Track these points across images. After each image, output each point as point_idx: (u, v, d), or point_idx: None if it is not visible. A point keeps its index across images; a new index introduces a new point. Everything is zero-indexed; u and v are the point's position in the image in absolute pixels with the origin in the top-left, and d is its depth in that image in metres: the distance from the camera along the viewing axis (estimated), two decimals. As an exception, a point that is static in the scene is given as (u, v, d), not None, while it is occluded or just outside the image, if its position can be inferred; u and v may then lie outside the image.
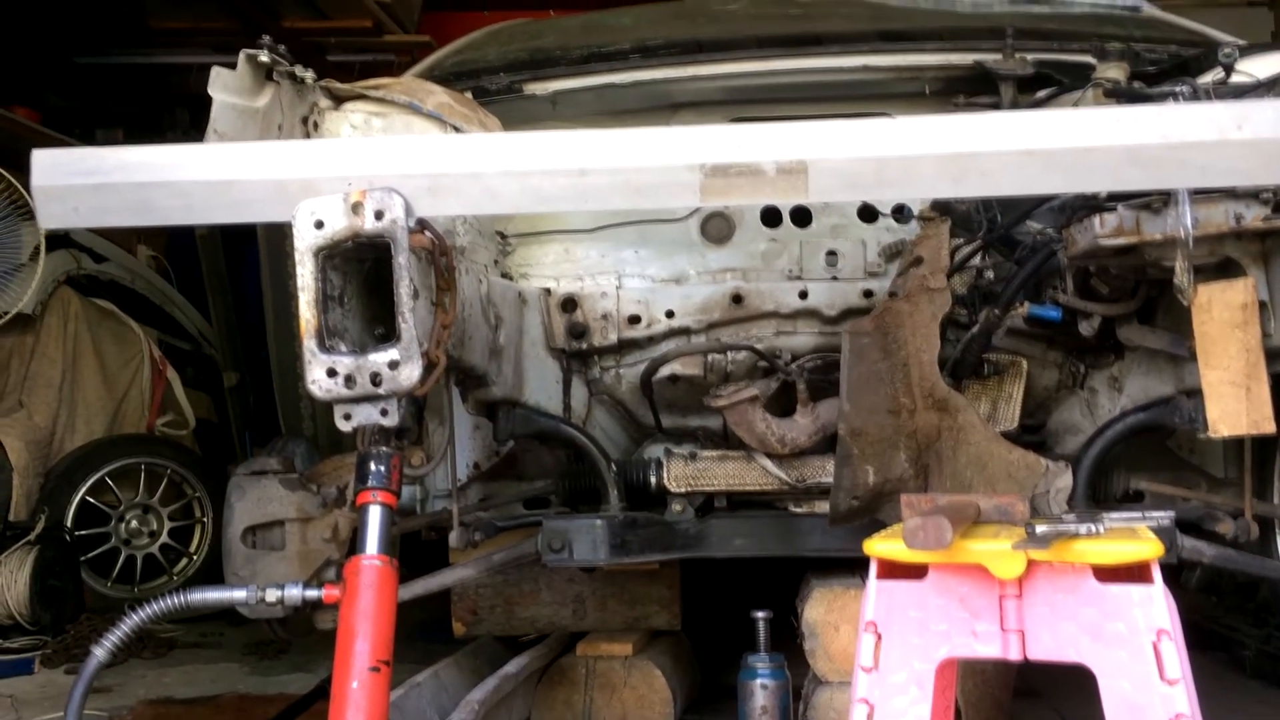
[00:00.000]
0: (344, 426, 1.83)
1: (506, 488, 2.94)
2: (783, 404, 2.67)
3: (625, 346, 2.74)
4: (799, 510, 2.68)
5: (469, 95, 2.91)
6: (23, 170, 4.68)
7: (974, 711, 2.23)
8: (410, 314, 1.80)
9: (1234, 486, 2.60)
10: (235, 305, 6.97)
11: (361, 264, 1.90)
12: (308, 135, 2.46)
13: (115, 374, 6.00)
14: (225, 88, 2.24)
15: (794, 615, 2.63)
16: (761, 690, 2.31)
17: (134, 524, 5.67)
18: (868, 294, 2.67)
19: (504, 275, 2.73)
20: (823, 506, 2.62)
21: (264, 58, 2.26)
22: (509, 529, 2.63)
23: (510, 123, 2.88)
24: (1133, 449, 2.60)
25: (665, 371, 2.69)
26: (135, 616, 1.84)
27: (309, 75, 2.41)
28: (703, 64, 2.84)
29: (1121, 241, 2.12)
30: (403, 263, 1.80)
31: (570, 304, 2.71)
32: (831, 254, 2.73)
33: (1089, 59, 2.72)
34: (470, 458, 2.87)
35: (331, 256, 1.82)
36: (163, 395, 6.21)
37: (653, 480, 2.68)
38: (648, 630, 3.11)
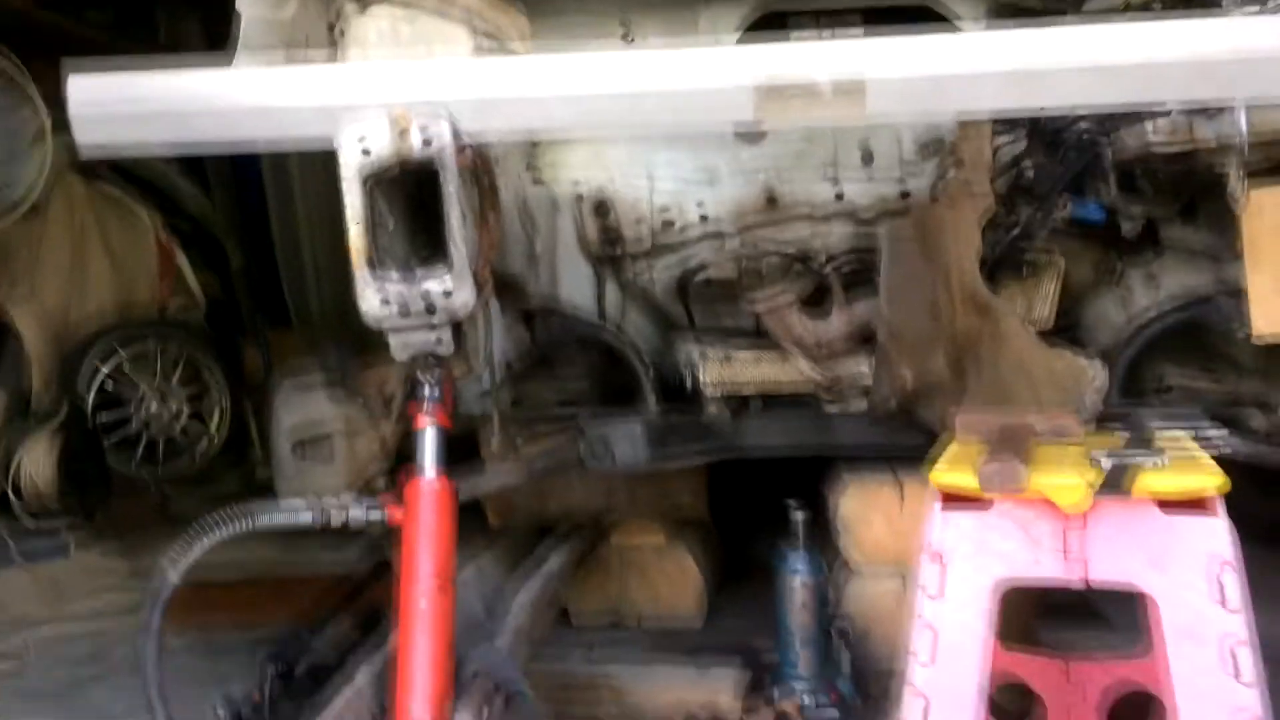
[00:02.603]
0: (400, 356, 1.84)
1: (541, 387, 2.96)
2: (817, 304, 2.67)
3: (659, 249, 2.72)
4: (834, 408, 2.71)
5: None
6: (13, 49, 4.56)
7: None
8: (462, 241, 1.79)
9: (1262, 375, 2.62)
10: (235, 185, 6.88)
11: (405, 183, 1.87)
12: (334, 42, 2.39)
13: (123, 258, 5.95)
14: (252, 1, 2.17)
15: (817, 504, 2.67)
16: (802, 587, 2.39)
17: (153, 407, 5.74)
18: (905, 194, 2.63)
19: (535, 179, 2.69)
20: (857, 405, 2.65)
21: (287, -35, 2.18)
22: (547, 431, 2.67)
23: (534, 14, 2.79)
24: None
25: (700, 274, 2.68)
26: (205, 539, 1.88)
27: (335, -20, 2.33)
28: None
29: (1175, 148, 2.10)
30: (452, 190, 1.78)
31: (603, 207, 2.68)
32: (868, 152, 2.68)
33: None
34: (505, 358, 2.88)
35: (379, 182, 1.80)
36: (173, 278, 6.19)
37: (688, 381, 2.70)
38: (677, 519, 3.18)
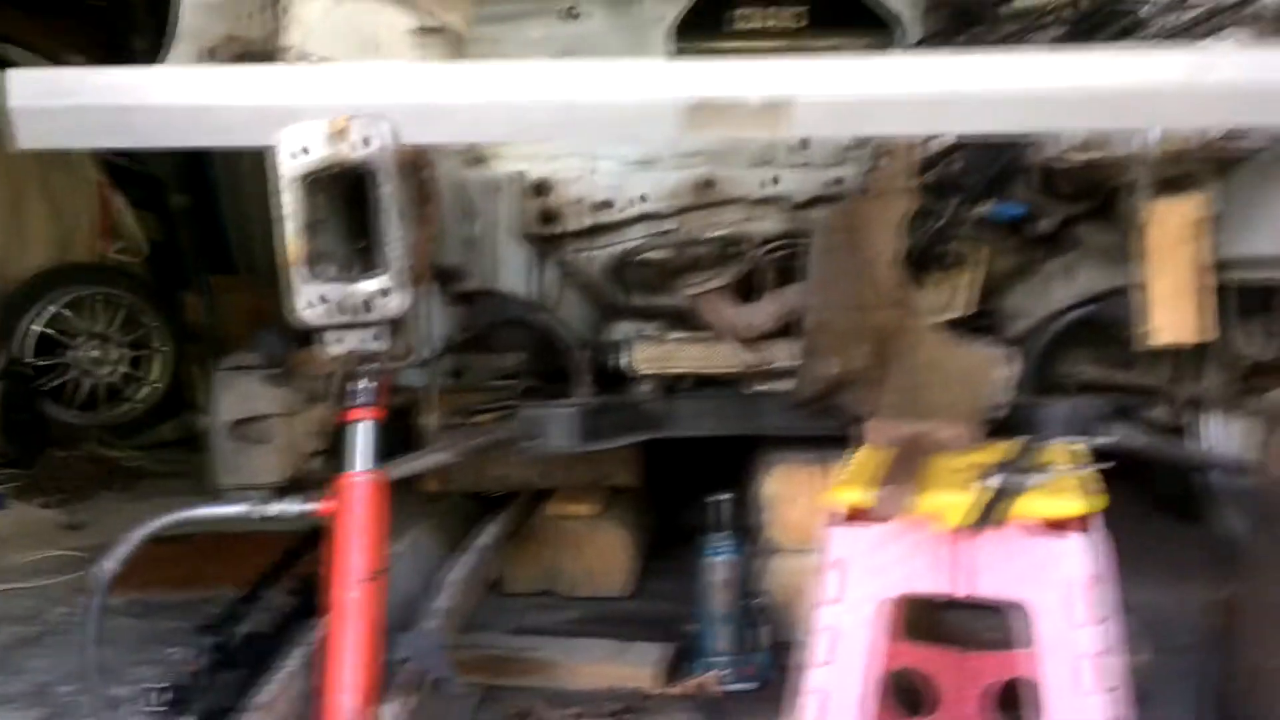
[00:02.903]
0: (335, 351, 1.89)
1: (479, 360, 3.02)
2: (749, 288, 2.76)
3: (597, 230, 2.78)
4: (762, 389, 2.80)
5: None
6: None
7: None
8: (398, 241, 1.84)
9: (1172, 368, 2.75)
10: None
11: (343, 182, 1.91)
12: (275, 18, 2.40)
13: (63, 205, 5.87)
14: (192, -18, 2.18)
15: (743, 481, 2.78)
16: (722, 566, 2.50)
17: (93, 353, 5.71)
18: (837, 181, 2.71)
19: (476, 159, 2.73)
20: (784, 386, 2.75)
21: (229, -54, 2.19)
22: (485, 411, 2.74)
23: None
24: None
25: (636, 255, 2.75)
26: (141, 531, 1.94)
27: (276, -41, 2.33)
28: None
29: (1088, 156, 2.19)
30: (389, 192, 1.82)
31: (543, 188, 2.73)
32: (803, 140, 2.75)
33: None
34: (443, 332, 2.94)
35: (316, 181, 1.84)
36: (113, 224, 6.12)
37: (622, 362, 2.78)
38: (610, 488, 3.28)
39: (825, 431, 2.69)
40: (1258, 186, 2.06)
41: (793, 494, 2.68)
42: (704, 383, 2.84)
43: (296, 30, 2.38)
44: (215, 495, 2.53)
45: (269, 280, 6.47)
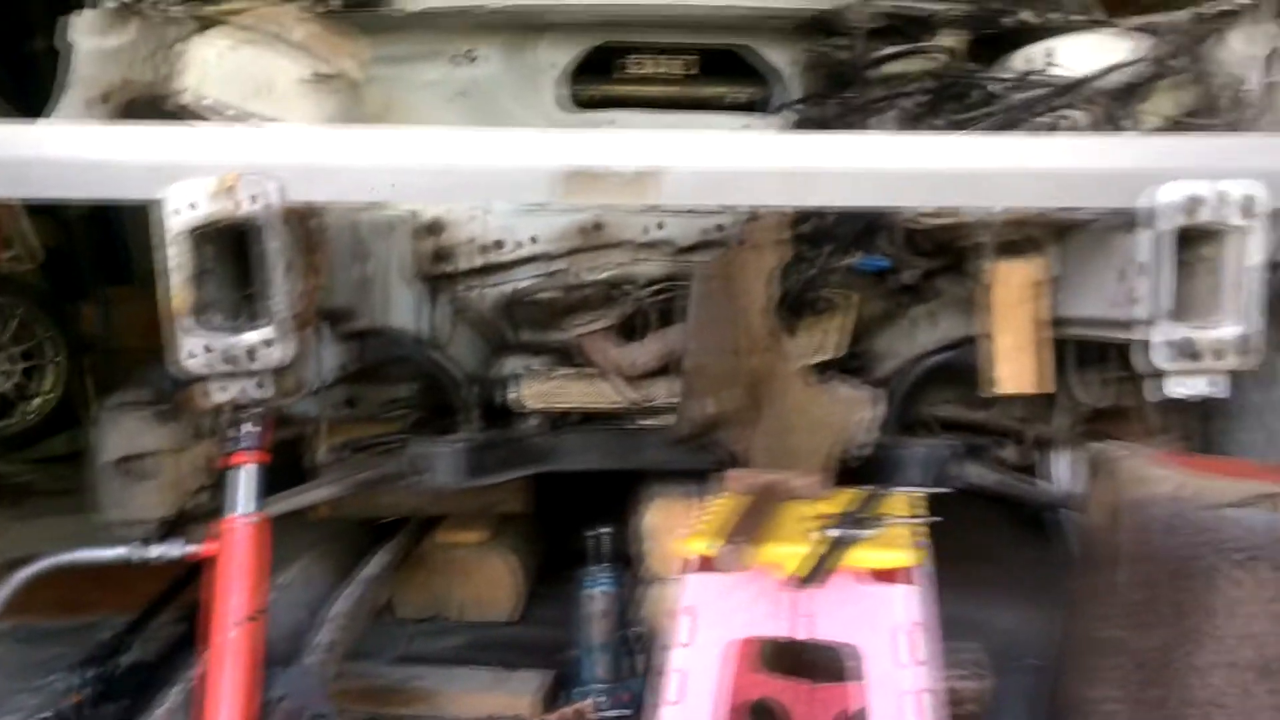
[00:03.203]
0: (219, 398, 1.96)
1: (371, 390, 3.09)
2: (634, 328, 2.87)
3: (488, 269, 2.87)
4: (645, 425, 2.92)
5: (337, 2, 2.89)
6: None
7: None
8: (283, 294, 1.92)
9: (1022, 406, 2.94)
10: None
11: (230, 234, 1.98)
12: (171, 64, 2.45)
13: (-50, 208, 5.75)
14: (87, 30, 2.23)
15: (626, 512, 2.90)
16: (601, 597, 2.62)
17: (-18, 364, 5.61)
18: (719, 227, 2.84)
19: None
20: (665, 422, 2.87)
21: (125, -4, 2.24)
22: (373, 445, 2.82)
23: (375, 34, 2.89)
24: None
25: (526, 295, 2.85)
26: (19, 576, 1.98)
27: (173, 5, 2.39)
28: (572, -9, 2.88)
29: (940, 221, 2.37)
30: (275, 247, 1.90)
31: (435, 229, 2.81)
32: None
33: (936, 5, 2.87)
34: (336, 361, 3.00)
35: (203, 235, 1.90)
36: (6, 231, 6.00)
37: (509, 397, 2.88)
38: (500, 514, 3.37)
39: (703, 466, 2.83)
40: (1089, 253, 2.24)
41: (671, 526, 2.79)
42: (589, 418, 2.95)
43: (190, 75, 2.45)
44: (100, 529, 2.57)
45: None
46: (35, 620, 3.09)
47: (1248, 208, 1.83)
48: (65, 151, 1.89)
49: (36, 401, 5.77)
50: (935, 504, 2.26)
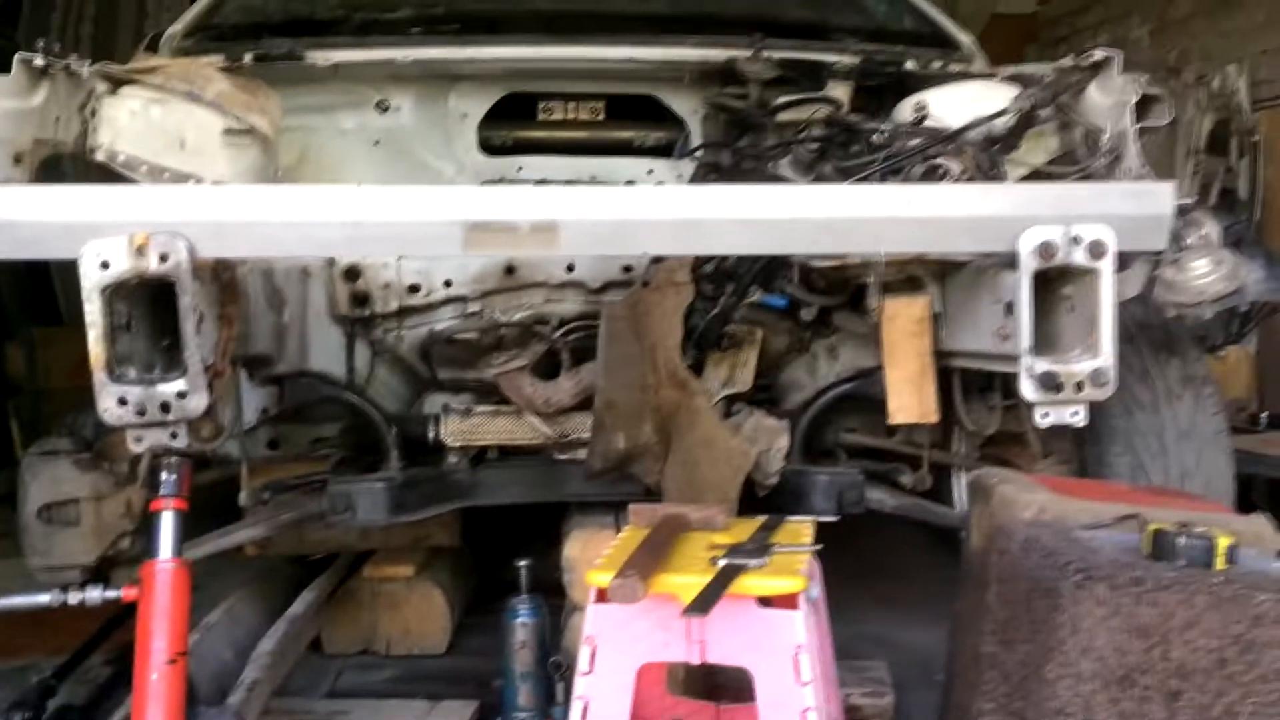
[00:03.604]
0: (136, 449, 2.04)
1: (295, 430, 3.15)
2: (550, 366, 2.98)
3: (406, 312, 2.96)
4: (563, 458, 3.02)
5: (250, 57, 2.97)
6: None
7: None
8: (196, 348, 2.00)
9: (924, 432, 3.09)
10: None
11: (145, 289, 2.05)
12: (85, 123, 2.52)
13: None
14: (1, 93, 2.28)
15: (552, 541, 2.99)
16: (521, 627, 2.70)
17: (-94, 410, 5.56)
18: (627, 269, 2.96)
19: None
20: (584, 455, 2.97)
21: (39, 60, 2.31)
22: (296, 486, 2.88)
23: (292, 84, 2.98)
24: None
25: (444, 336, 2.95)
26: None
27: (84, 66, 2.46)
28: (479, 46, 2.99)
29: (829, 263, 2.51)
30: (187, 303, 1.98)
31: (353, 274, 2.89)
32: None
33: (828, 57, 3.03)
34: (258, 403, 3.07)
35: (118, 291, 1.98)
36: (-74, 274, 5.96)
37: (431, 435, 2.96)
38: (429, 547, 3.44)
39: (622, 497, 2.94)
40: (969, 291, 2.39)
41: (591, 556, 2.88)
42: (510, 453, 3.04)
43: (106, 131, 2.52)
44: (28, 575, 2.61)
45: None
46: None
47: (1097, 250, 1.98)
48: (-17, 213, 1.95)
49: (-37, 449, 5.72)
50: (856, 528, 2.38)
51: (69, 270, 5.59)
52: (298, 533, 3.35)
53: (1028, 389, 2.05)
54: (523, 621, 2.71)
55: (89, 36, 6.96)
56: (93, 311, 1.96)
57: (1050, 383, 2.04)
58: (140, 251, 1.95)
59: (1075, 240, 1.99)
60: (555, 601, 2.85)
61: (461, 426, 2.98)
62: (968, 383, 2.72)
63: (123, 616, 3.05)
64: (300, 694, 2.88)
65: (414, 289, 2.94)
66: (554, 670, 2.70)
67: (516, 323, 2.94)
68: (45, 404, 6.03)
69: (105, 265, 1.95)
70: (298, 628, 2.77)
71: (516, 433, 2.98)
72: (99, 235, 1.96)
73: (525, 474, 3.01)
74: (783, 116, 2.89)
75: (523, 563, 2.75)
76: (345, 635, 3.24)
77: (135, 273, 1.95)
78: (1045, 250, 1.99)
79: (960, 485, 3.11)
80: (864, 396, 2.93)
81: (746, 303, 2.82)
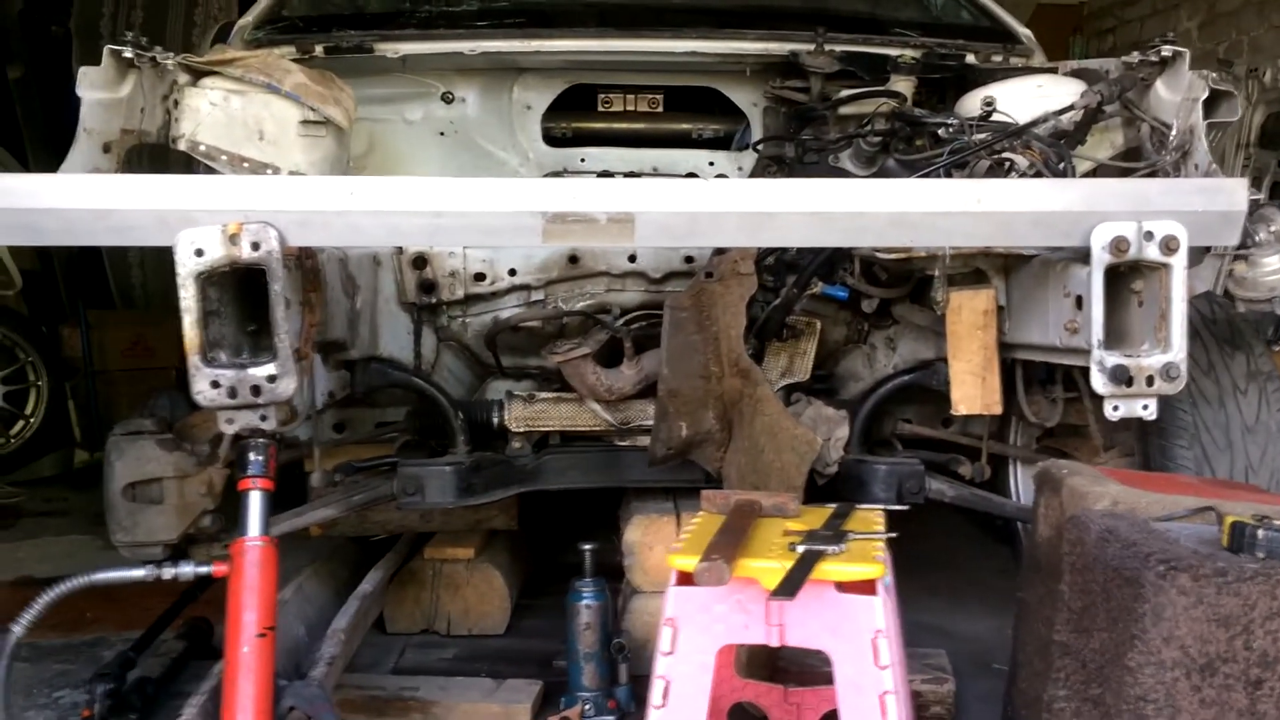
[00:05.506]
0: (227, 430, 2.10)
1: (360, 414, 3.23)
2: (611, 354, 3.03)
3: (471, 300, 3.02)
4: (624, 445, 3.07)
5: (321, 49, 3.04)
6: None
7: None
8: (285, 333, 2.06)
9: (981, 423, 3.12)
10: (57, 155, 6.75)
11: (235, 275, 2.11)
12: (168, 113, 2.59)
13: (-65, 239, 5.82)
14: (92, 84, 2.36)
15: (616, 523, 3.06)
16: (586, 609, 2.76)
17: (-36, 390, 5.71)
18: (689, 259, 3.01)
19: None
20: (644, 441, 3.03)
21: (127, 52, 2.38)
22: (366, 469, 2.95)
23: (360, 76, 3.04)
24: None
25: (508, 323, 3.00)
26: (48, 595, 2.11)
27: (169, 57, 2.53)
28: (545, 38, 3.04)
29: (894, 256, 2.54)
30: (278, 290, 2.04)
31: (421, 262, 2.96)
32: None
33: (890, 51, 3.06)
34: (326, 387, 3.14)
35: (211, 278, 2.04)
36: (-15, 258, 6.10)
37: (495, 420, 3.02)
38: (488, 530, 3.51)
39: (681, 484, 3.00)
40: (1034, 284, 2.42)
41: (650, 541, 2.95)
42: (573, 438, 3.09)
43: (188, 122, 2.59)
44: (95, 550, 2.67)
45: (146, 314, 6.60)
46: (35, 638, 3.20)
47: (1170, 246, 2.01)
48: (79, 202, 2.02)
49: (20, 425, 5.86)
50: (904, 517, 2.42)
51: (117, 253, 5.75)
52: (360, 514, 3.43)
53: (1099, 382, 2.08)
54: (587, 604, 2.76)
55: (139, 25, 7.06)
56: (187, 298, 2.02)
57: (1121, 376, 2.06)
58: (233, 240, 2.01)
59: (1148, 235, 2.01)
60: (612, 585, 2.91)
61: (525, 412, 3.03)
62: (1029, 375, 2.74)
63: (193, 593, 3.15)
64: (367, 670, 2.95)
65: (480, 277, 3.00)
66: (617, 651, 2.76)
67: (579, 311, 3.00)
68: (101, 386, 6.17)
69: (199, 253, 2.01)
70: (367, 606, 2.84)
71: (578, 419, 3.03)
72: (192, 224, 2.02)
73: (587, 460, 3.06)
74: (844, 110, 2.92)
75: (587, 546, 2.80)
76: (407, 615, 3.31)
77: (228, 260, 2.01)
78: (1118, 245, 2.01)
79: (1017, 477, 3.14)
80: (922, 387, 2.97)
81: (808, 294, 2.85)
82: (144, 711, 2.62)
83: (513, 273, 3.00)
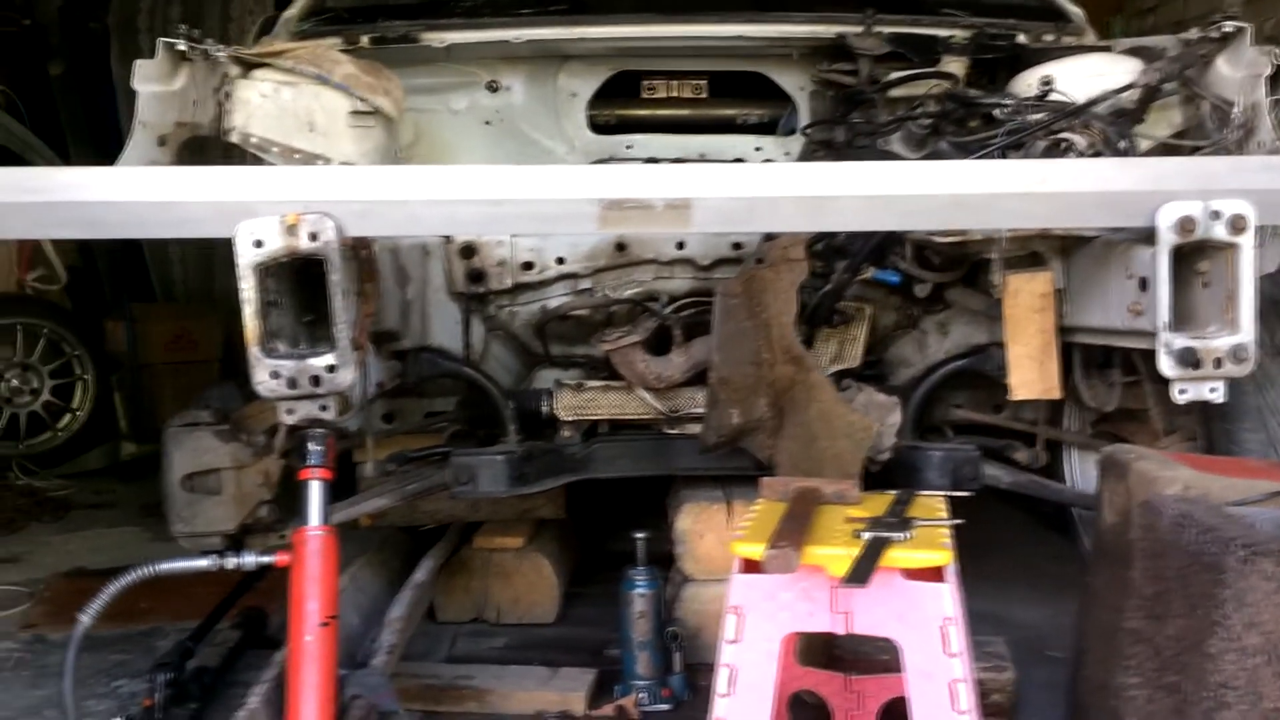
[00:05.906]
0: (287, 420, 2.11)
1: (410, 404, 3.24)
2: (660, 342, 3.02)
3: (519, 289, 3.02)
4: (673, 433, 3.06)
5: (367, 39, 3.04)
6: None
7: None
8: (344, 324, 2.06)
9: (1036, 409, 3.08)
10: (97, 151, 6.83)
11: (293, 266, 2.12)
12: (220, 105, 2.60)
13: (-20, 234, 5.89)
14: (146, 78, 2.37)
15: (665, 512, 3.05)
16: (640, 598, 2.76)
17: (14, 383, 5.77)
18: (737, 246, 2.99)
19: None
20: (693, 429, 3.02)
21: (180, 45, 2.39)
22: (418, 459, 2.96)
23: (406, 65, 3.04)
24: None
25: (557, 311, 3.00)
26: (114, 585, 2.13)
27: (220, 50, 2.54)
28: (590, 25, 3.02)
29: (949, 240, 2.51)
30: (336, 280, 2.05)
31: (469, 251, 2.96)
32: None
33: (940, 31, 3.02)
34: (375, 378, 3.15)
35: (269, 269, 2.05)
36: (32, 251, 6.16)
37: (544, 409, 3.02)
38: (536, 519, 3.51)
39: (731, 472, 2.98)
40: (1094, 266, 2.39)
41: (701, 529, 2.94)
42: (622, 427, 3.09)
43: (240, 114, 2.60)
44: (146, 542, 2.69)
45: (188, 307, 6.63)
46: (92, 628, 3.24)
47: (1238, 225, 1.97)
48: (140, 194, 2.03)
49: (67, 418, 5.93)
50: (953, 503, 2.41)
51: (158, 247, 5.79)
52: (410, 504, 3.44)
53: (1166, 365, 2.04)
54: (640, 592, 2.76)
55: (178, 17, 7.11)
56: (247, 289, 2.03)
57: (1189, 359, 2.03)
58: (291, 231, 2.01)
59: (1215, 215, 1.98)
60: (661, 573, 2.90)
61: (574, 401, 3.03)
62: (1087, 359, 2.71)
63: (248, 583, 3.17)
64: (421, 659, 2.96)
65: (528, 266, 3.00)
66: (671, 640, 2.76)
67: (627, 299, 2.99)
68: (145, 379, 6.24)
69: (259, 244, 2.01)
70: (422, 594, 2.85)
71: (627, 407, 3.03)
72: (251, 215, 2.02)
73: (637, 448, 3.05)
74: (894, 92, 2.89)
75: (640, 535, 2.79)
76: (458, 604, 3.32)
77: (287, 251, 2.02)
78: (1185, 225, 1.97)
79: (1073, 462, 3.11)
80: (976, 372, 2.94)
81: (859, 279, 2.82)
82: (203, 701, 2.64)
83: (560, 261, 3.00)
